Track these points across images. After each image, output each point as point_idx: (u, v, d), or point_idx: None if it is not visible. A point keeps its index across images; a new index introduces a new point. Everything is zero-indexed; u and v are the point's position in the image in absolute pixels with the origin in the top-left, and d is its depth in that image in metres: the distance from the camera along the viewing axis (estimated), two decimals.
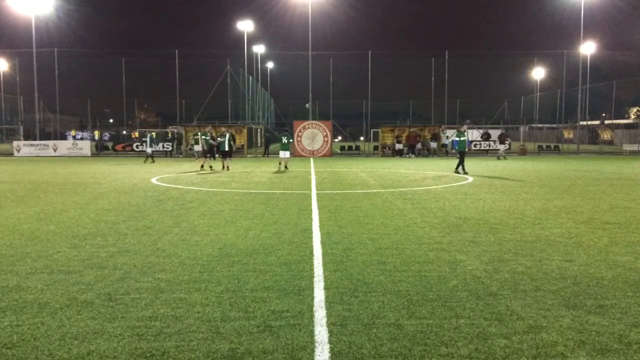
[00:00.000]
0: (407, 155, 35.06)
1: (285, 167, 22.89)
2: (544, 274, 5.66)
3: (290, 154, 24.84)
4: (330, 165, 26.68)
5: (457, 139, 20.48)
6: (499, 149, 33.86)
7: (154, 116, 78.72)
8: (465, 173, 19.47)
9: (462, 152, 20.07)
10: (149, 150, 28.77)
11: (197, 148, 30.25)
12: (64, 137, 42.97)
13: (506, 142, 34.81)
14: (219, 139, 23.21)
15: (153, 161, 28.20)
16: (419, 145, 36.56)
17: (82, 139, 41.24)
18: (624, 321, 4.28)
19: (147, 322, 4.25)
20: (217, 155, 26.87)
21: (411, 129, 37.66)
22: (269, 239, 7.55)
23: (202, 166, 22.44)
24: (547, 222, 8.91)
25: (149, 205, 11.01)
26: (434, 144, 36.87)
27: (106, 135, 43.35)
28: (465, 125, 22.64)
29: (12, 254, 6.59)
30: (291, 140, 26.16)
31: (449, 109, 45.07)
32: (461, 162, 19.89)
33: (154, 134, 32.36)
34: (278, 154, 24.39)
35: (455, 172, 19.89)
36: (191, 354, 3.67)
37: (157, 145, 30.99)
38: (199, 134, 25.63)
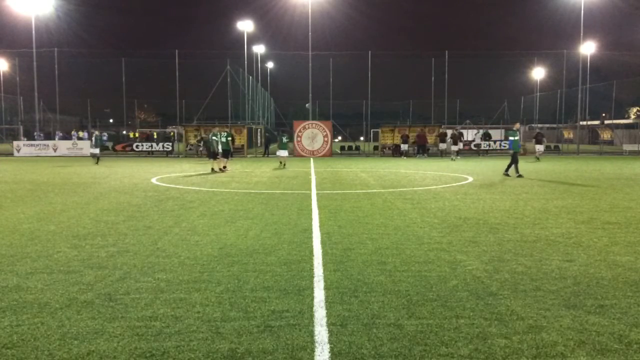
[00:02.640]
0: (419, 156, 34.68)
1: (284, 165, 23.95)
2: (544, 274, 5.66)
3: (290, 153, 25.08)
4: (330, 165, 26.68)
5: (512, 138, 18.65)
6: (539, 150, 30.95)
7: (154, 116, 78.74)
8: (520, 175, 17.82)
9: (516, 153, 18.35)
10: (95, 150, 26.74)
11: (282, 153, 27.80)
12: (66, 138, 42.83)
13: (543, 141, 31.92)
14: (222, 139, 23.01)
15: (97, 162, 26.37)
16: (449, 146, 35.10)
17: (80, 139, 40.95)
18: (624, 321, 4.28)
19: (147, 322, 4.25)
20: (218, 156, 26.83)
21: (419, 129, 37.43)
22: (269, 239, 7.55)
23: (223, 167, 21.28)
24: (547, 222, 8.91)
25: (149, 205, 11.01)
26: (455, 147, 32.97)
27: (104, 135, 43.14)
28: (518, 124, 20.46)
29: (12, 254, 6.58)
30: (287, 140, 26.09)
31: (449, 109, 45.11)
32: (514, 163, 18.20)
33: (97, 132, 29.32)
34: (277, 153, 24.87)
35: (506, 174, 18.23)
36: (191, 354, 3.67)
37: (99, 145, 27.62)
38: (219, 134, 23.91)
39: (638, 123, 52.29)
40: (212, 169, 21.45)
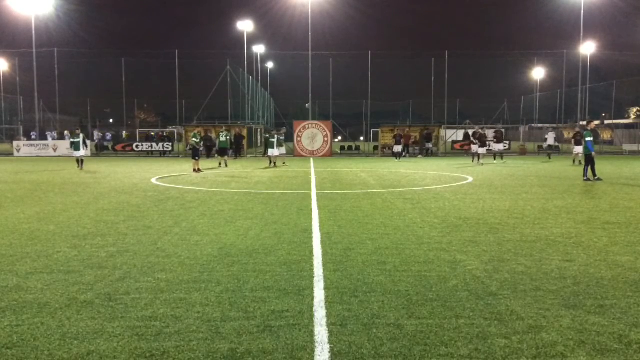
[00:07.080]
0: (404, 155, 34.68)
1: (278, 163, 24.86)
2: (544, 274, 5.66)
3: (289, 152, 25.17)
4: (330, 165, 26.68)
5: (589, 139, 16.58)
6: (577, 151, 25.36)
7: (154, 116, 78.69)
8: (598, 179, 16.36)
9: (591, 154, 16.54)
10: (81, 152, 22.93)
11: (272, 152, 24.91)
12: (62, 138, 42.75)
13: (582, 142, 24.55)
14: (221, 138, 23.06)
15: (80, 165, 22.84)
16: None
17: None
18: (624, 321, 4.28)
19: (147, 322, 4.25)
20: (215, 155, 27.00)
21: (406, 130, 37.39)
22: (269, 239, 7.55)
23: (197, 170, 20.57)
24: (547, 222, 8.91)
25: (149, 205, 11.01)
26: (482, 150, 27.60)
27: (108, 135, 42.98)
28: (594, 122, 18.27)
29: (12, 254, 6.59)
30: (282, 138, 26.10)
31: (449, 109, 45.06)
32: (592, 164, 16.52)
33: (79, 132, 23.57)
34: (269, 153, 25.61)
35: (586, 179, 16.43)
36: (191, 354, 3.67)
37: (85, 147, 23.46)
38: (198, 134, 22.98)
39: (638, 123, 52.28)
40: (195, 170, 20.67)
